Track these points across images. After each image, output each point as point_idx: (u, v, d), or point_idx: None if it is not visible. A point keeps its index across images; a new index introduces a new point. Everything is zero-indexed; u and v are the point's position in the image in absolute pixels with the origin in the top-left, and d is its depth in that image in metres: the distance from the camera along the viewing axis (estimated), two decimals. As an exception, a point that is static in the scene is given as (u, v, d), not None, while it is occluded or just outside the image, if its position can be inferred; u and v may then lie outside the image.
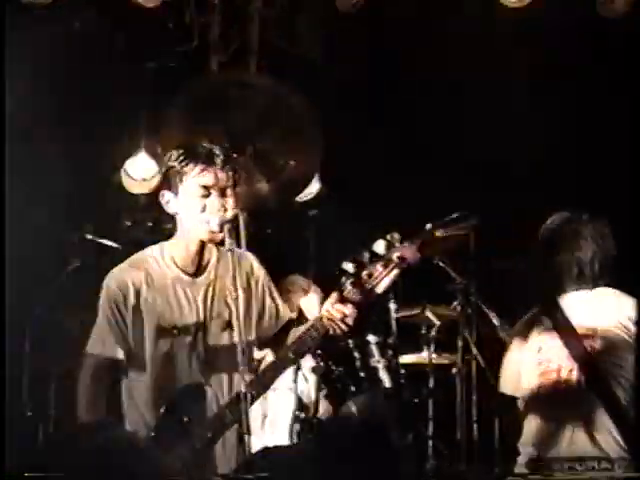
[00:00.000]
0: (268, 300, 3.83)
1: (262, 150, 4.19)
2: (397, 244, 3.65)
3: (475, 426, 5.21)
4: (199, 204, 3.61)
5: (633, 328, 4.14)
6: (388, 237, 3.64)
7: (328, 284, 3.79)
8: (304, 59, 5.33)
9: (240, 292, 3.50)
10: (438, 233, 5.03)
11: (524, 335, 4.39)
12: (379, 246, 3.64)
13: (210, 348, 3.68)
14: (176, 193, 3.63)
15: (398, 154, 5.97)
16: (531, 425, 4.21)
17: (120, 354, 3.66)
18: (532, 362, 4.28)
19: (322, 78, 5.31)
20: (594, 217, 4.42)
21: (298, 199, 5.69)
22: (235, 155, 3.94)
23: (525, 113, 5.67)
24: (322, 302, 4.75)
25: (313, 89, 4.61)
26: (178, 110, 4.04)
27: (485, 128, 5.62)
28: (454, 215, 4.84)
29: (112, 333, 3.66)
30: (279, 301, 3.87)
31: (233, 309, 3.59)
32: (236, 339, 3.50)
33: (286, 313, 3.89)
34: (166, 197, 3.65)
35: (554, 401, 4.20)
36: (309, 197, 5.81)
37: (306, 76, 5.06)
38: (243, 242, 5.23)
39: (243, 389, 3.34)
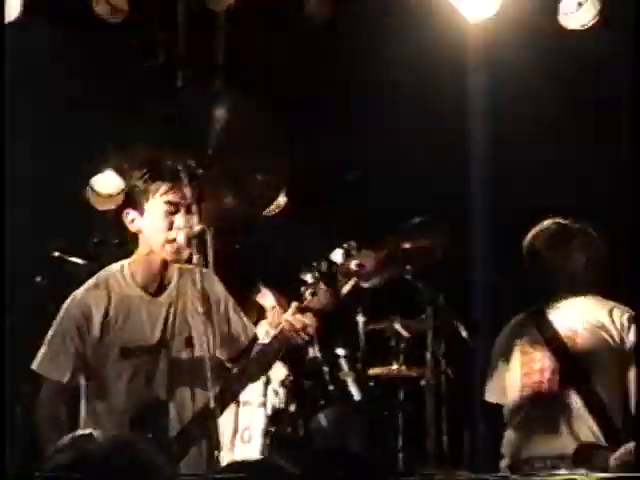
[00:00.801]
0: (234, 317, 3.80)
1: (229, 166, 4.15)
2: (354, 252, 3.66)
3: (445, 437, 5.27)
4: (165, 222, 3.58)
5: (614, 330, 4.21)
6: (345, 246, 3.66)
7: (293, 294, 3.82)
8: (268, 71, 5.31)
9: (200, 309, 3.50)
10: (406, 244, 5.09)
11: (509, 343, 4.46)
12: (337, 255, 3.66)
13: (172, 366, 3.64)
14: (141, 212, 3.60)
15: (366, 164, 5.99)
16: (514, 425, 4.23)
17: (66, 378, 3.61)
18: (516, 364, 4.35)
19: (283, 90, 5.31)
20: (583, 225, 4.49)
21: (264, 213, 5.69)
22: (201, 171, 3.92)
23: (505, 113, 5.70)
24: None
25: (276, 101, 4.64)
26: (143, 127, 4.00)
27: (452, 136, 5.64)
28: (417, 220, 4.88)
29: (66, 357, 3.60)
30: (244, 317, 3.85)
31: (193, 327, 3.60)
32: (197, 355, 3.50)
33: (252, 328, 3.87)
34: (130, 215, 3.62)
35: (537, 401, 4.27)
36: (275, 211, 5.81)
37: (270, 89, 5.08)
38: (211, 257, 5.20)
39: (212, 404, 3.32)
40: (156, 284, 3.66)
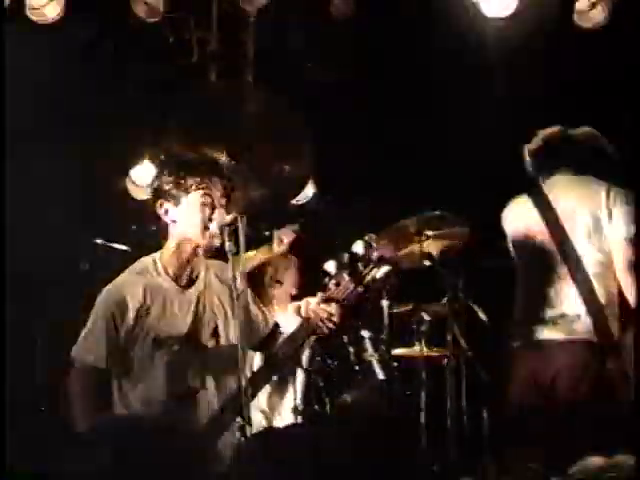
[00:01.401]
0: (253, 308, 4.02)
1: (258, 157, 4.35)
2: (374, 244, 3.82)
3: (465, 415, 5.48)
4: (199, 213, 3.77)
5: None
6: (366, 238, 3.82)
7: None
8: (298, 67, 5.54)
9: (225, 302, 3.79)
10: (429, 233, 5.31)
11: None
12: (358, 247, 3.82)
13: (203, 355, 3.83)
14: (176, 203, 3.79)
15: (390, 155, 6.15)
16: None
17: (103, 364, 3.78)
18: None
19: (312, 84, 5.52)
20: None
21: (294, 202, 5.88)
22: (233, 163, 4.14)
23: (511, 110, 5.85)
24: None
25: (304, 95, 4.85)
26: (178, 122, 4.21)
27: (471, 127, 5.80)
28: (436, 212, 5.10)
29: (102, 344, 3.77)
30: (263, 308, 4.08)
31: (219, 318, 3.83)
32: (224, 344, 3.77)
33: (271, 318, 4.09)
34: (165, 206, 3.80)
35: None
36: (304, 201, 6.00)
37: (298, 82, 5.31)
38: (242, 245, 5.42)
39: (243, 384, 3.49)
40: (186, 276, 3.86)
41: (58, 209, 5.08)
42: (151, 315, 3.79)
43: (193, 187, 3.75)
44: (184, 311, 3.83)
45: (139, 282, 3.82)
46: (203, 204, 3.77)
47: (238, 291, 3.60)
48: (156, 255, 3.89)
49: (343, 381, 5.54)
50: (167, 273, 3.84)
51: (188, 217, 3.79)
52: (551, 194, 4.55)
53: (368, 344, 5.59)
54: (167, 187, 3.77)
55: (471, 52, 5.47)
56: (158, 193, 3.81)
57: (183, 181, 3.74)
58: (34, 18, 4.97)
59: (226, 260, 3.79)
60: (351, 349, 5.55)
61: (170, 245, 3.85)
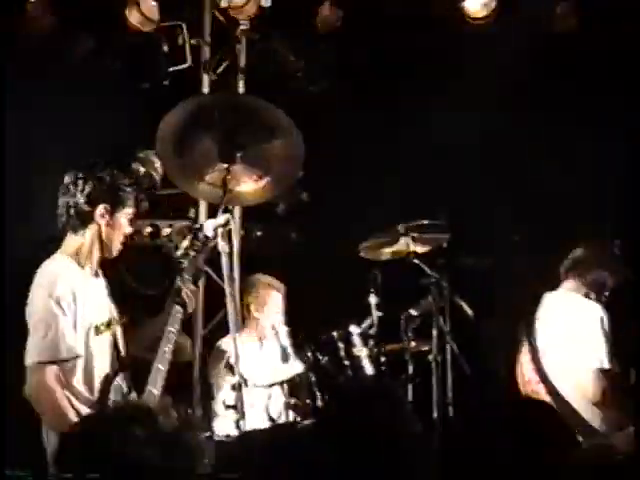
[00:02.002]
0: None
1: (249, 156, 4.53)
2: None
3: (450, 407, 5.70)
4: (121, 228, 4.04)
5: None
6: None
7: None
8: (285, 76, 5.79)
9: None
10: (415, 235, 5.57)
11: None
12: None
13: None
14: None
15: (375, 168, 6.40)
16: None
17: (74, 353, 3.94)
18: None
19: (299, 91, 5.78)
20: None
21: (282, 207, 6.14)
22: (226, 165, 4.33)
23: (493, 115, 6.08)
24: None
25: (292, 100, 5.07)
26: (170, 126, 4.38)
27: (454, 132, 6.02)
28: (424, 222, 5.37)
29: (61, 338, 3.90)
30: None
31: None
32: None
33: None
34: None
35: None
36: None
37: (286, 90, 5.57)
38: (236, 244, 5.65)
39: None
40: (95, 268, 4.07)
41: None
42: (83, 306, 3.94)
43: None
44: (101, 300, 4.08)
45: (66, 277, 3.95)
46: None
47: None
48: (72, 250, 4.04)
49: (333, 376, 5.79)
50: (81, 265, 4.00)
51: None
52: None
53: (357, 340, 5.81)
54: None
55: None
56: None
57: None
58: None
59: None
60: (340, 344, 5.77)
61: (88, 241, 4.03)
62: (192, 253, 4.21)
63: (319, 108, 5.71)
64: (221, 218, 4.32)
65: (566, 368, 4.95)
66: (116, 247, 3.96)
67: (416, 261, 5.61)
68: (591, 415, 4.88)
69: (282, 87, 5.50)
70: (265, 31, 5.68)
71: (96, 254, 3.94)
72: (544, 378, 4.95)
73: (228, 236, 4.38)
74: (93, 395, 3.92)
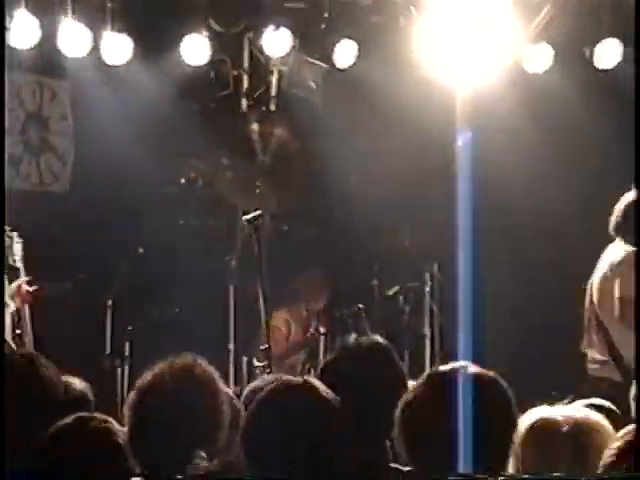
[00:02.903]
0: None
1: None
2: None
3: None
4: None
5: None
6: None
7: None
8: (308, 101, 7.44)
9: None
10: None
11: None
12: None
13: None
14: None
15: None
16: None
17: None
18: None
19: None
20: None
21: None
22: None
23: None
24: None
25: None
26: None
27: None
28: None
29: None
30: None
31: None
32: None
33: None
34: None
35: None
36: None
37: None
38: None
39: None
40: None
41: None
42: None
43: None
44: None
45: None
46: None
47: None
48: None
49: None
50: None
51: None
52: None
53: (363, 315, 7.24)
54: None
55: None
56: None
57: None
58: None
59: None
60: (349, 320, 7.19)
61: None
62: None
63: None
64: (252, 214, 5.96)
65: None
66: None
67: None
68: None
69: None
70: (293, 64, 7.23)
71: None
72: None
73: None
74: None
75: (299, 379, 3.69)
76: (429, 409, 3.24)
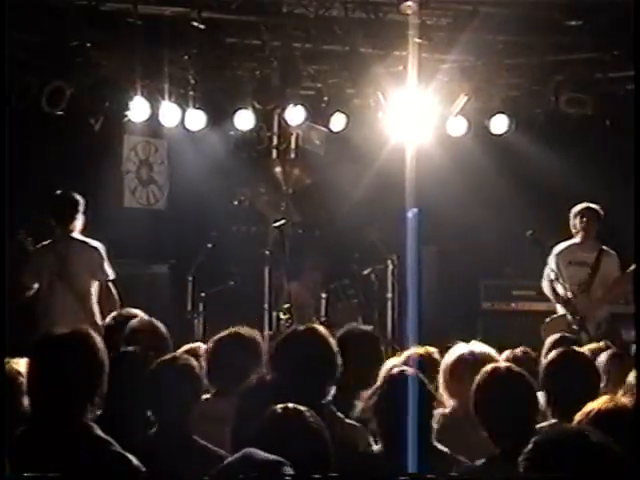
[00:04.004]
0: None
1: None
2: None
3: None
4: None
5: None
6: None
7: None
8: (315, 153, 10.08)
9: None
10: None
11: None
12: None
13: None
14: None
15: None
16: None
17: None
18: None
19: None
20: None
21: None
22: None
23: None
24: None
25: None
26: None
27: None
28: None
29: None
30: None
31: None
32: None
33: None
34: None
35: None
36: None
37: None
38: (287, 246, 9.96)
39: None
40: None
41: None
42: None
43: None
44: None
45: None
46: None
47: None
48: None
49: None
50: None
51: None
52: None
53: (347, 287, 9.88)
54: None
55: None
56: None
57: None
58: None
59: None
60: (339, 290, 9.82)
61: None
62: None
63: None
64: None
65: None
66: None
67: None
68: None
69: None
70: (305, 128, 9.79)
71: None
72: None
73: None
74: None
75: (305, 326, 4.54)
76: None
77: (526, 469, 2.80)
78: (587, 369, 4.56)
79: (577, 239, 8.24)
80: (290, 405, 3.48)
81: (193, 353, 5.00)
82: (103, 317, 6.83)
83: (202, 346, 5.26)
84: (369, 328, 5.47)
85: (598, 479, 2.72)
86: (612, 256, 8.23)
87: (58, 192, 7.74)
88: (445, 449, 4.18)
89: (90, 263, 7.57)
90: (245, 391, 4.27)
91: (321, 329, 4.43)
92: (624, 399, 3.79)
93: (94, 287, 7.61)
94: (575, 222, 8.18)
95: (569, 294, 8.04)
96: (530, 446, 2.85)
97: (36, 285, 7.59)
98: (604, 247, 8.21)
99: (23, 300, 7.44)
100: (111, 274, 7.66)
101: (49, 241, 7.65)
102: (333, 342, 4.41)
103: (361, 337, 5.11)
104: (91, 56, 8.17)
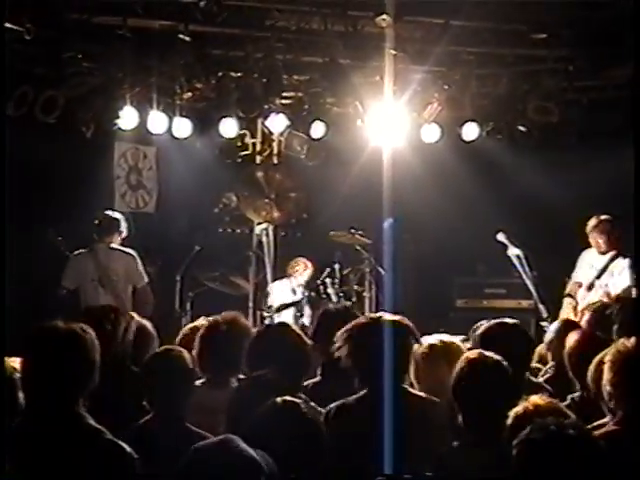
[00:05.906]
0: None
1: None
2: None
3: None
4: None
5: None
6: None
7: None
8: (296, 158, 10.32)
9: None
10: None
11: None
12: None
13: None
14: None
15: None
16: None
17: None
18: None
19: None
20: None
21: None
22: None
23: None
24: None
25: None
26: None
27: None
28: None
29: None
30: None
31: None
32: None
33: None
34: None
35: None
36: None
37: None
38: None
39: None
40: None
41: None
42: None
43: None
44: None
45: None
46: None
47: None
48: None
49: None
50: None
51: None
52: None
53: (329, 285, 10.27)
54: None
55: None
56: None
57: None
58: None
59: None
60: (321, 288, 10.19)
61: None
62: None
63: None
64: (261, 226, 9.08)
65: None
66: None
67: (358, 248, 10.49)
68: None
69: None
70: (287, 135, 10.09)
71: None
72: None
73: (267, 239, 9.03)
74: None
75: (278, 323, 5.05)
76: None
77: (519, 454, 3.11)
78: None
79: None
80: (287, 398, 3.58)
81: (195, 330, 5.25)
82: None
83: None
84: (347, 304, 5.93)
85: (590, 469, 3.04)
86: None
87: (105, 213, 8.43)
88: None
89: (128, 269, 8.28)
90: (240, 385, 4.39)
91: (292, 325, 4.71)
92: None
93: (129, 291, 8.30)
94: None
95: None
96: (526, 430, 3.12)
97: (72, 287, 8.25)
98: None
99: (59, 297, 8.12)
100: (146, 278, 8.34)
101: (88, 249, 8.33)
102: (304, 336, 4.65)
103: (338, 313, 5.36)
104: (83, 67, 8.37)
